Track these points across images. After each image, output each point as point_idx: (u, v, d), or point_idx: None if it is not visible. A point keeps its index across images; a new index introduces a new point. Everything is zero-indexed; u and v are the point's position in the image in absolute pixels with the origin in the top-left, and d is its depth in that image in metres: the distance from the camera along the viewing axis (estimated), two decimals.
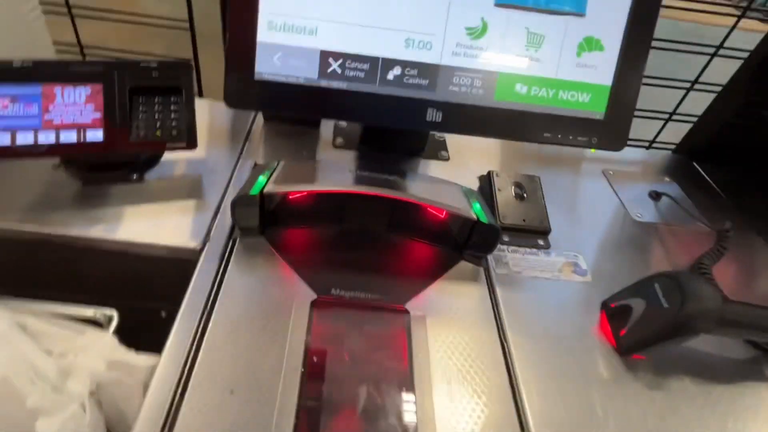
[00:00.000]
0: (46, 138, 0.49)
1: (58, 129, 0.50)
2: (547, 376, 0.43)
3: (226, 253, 0.49)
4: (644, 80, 0.89)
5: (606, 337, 0.46)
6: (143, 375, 0.38)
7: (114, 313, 0.43)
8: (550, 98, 0.49)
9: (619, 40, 0.48)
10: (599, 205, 0.64)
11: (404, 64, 0.46)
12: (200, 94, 0.90)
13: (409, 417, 0.38)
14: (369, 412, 0.38)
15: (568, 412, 0.40)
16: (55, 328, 0.41)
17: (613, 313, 0.47)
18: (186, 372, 0.38)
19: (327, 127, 0.69)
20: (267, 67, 0.46)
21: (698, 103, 0.81)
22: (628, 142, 1.01)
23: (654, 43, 0.85)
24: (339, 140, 0.67)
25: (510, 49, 0.47)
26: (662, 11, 0.49)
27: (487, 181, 0.60)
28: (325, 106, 0.48)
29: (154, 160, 0.59)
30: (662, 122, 0.91)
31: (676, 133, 0.90)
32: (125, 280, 0.54)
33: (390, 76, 0.46)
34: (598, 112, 0.50)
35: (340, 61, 0.45)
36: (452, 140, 0.70)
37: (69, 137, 0.50)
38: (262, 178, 0.49)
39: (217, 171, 0.60)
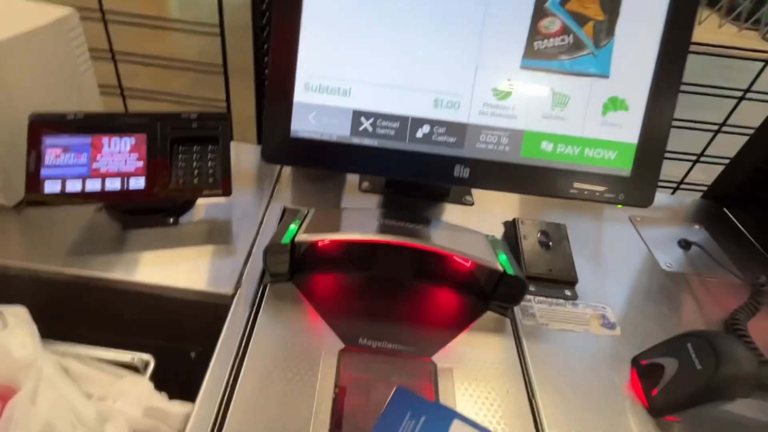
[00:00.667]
0: (93, 186, 0.52)
1: (104, 177, 0.53)
2: None
3: (257, 299, 0.50)
4: (674, 123, 0.89)
5: (637, 396, 0.46)
6: (177, 423, 0.39)
7: (150, 359, 0.44)
8: (576, 155, 0.49)
9: (644, 100, 0.48)
10: (627, 254, 0.63)
11: (433, 122, 0.48)
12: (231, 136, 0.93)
13: None
14: None
15: None
16: (95, 372, 0.42)
17: (645, 371, 0.46)
18: (219, 422, 0.39)
19: None
20: (302, 125, 0.48)
21: (729, 143, 0.80)
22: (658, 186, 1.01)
23: (681, 87, 0.86)
24: (365, 184, 0.69)
25: (536, 109, 0.49)
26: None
27: (512, 228, 0.61)
28: (356, 161, 0.50)
29: (189, 204, 0.61)
30: (690, 163, 0.90)
31: (705, 171, 0.89)
32: (159, 322, 0.56)
33: (419, 134, 0.48)
34: (624, 169, 0.50)
35: (371, 120, 0.48)
36: None
37: (114, 185, 0.53)
38: (293, 227, 0.51)
39: (248, 214, 0.62)
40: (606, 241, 0.65)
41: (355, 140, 0.48)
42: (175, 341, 0.57)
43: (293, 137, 0.48)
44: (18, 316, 0.42)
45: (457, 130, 0.48)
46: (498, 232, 0.63)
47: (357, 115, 0.48)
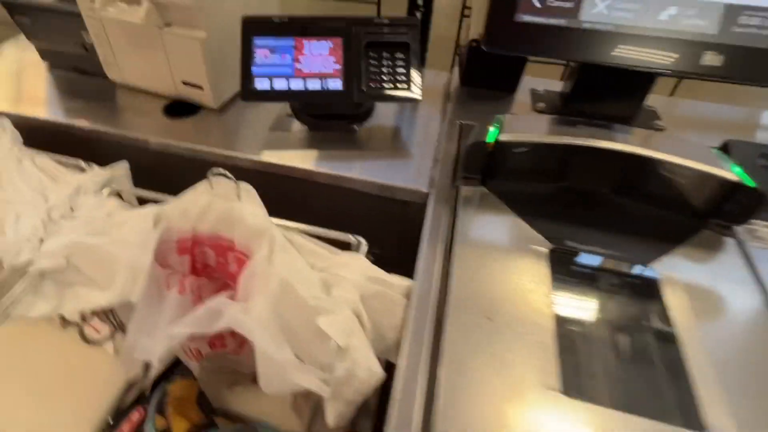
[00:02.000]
0: (297, 85, 0.55)
1: (306, 77, 0.55)
2: None
3: (453, 199, 0.50)
4: None
5: None
6: (401, 292, 0.40)
7: (363, 240, 0.46)
8: None
9: None
10: None
11: (681, 3, 0.43)
12: None
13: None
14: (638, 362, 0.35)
15: None
16: (316, 246, 0.45)
17: None
18: (441, 296, 0.39)
19: (523, 92, 0.68)
20: (528, 9, 0.45)
21: None
22: None
23: None
24: (540, 104, 0.65)
25: None
26: None
27: (723, 152, 0.54)
28: (585, 48, 0.46)
29: (369, 112, 0.63)
30: None
31: None
32: (350, 217, 0.58)
33: (663, 15, 0.43)
34: None
35: (608, 2, 0.43)
36: (665, 110, 0.64)
37: (314, 85, 0.55)
38: (494, 128, 0.49)
39: (427, 126, 0.62)
40: None
41: (586, 24, 0.44)
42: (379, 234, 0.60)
43: (517, 21, 0.46)
44: (249, 192, 0.46)
45: (711, 11, 0.42)
46: None
47: None
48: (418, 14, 0.72)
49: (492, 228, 0.46)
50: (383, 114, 0.64)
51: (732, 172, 0.44)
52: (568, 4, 0.44)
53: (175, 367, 0.54)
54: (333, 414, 0.38)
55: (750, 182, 0.43)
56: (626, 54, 0.45)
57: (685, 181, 0.47)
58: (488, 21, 0.46)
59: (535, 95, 0.67)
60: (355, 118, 0.61)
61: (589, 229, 0.46)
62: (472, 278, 0.41)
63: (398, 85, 0.56)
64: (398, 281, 0.41)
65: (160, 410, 0.51)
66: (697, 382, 0.34)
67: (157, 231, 0.44)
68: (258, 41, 0.55)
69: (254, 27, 0.55)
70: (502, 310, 0.38)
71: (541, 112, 0.64)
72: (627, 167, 0.49)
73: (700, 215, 0.47)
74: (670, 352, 0.36)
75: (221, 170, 0.43)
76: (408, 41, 0.56)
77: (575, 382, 0.34)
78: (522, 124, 0.51)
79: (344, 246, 0.46)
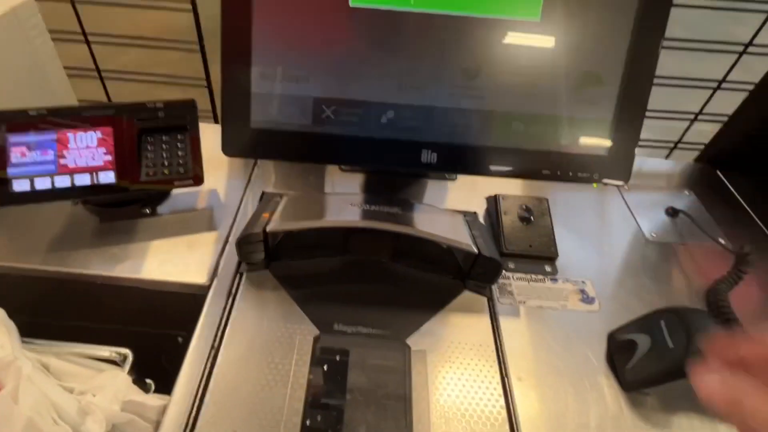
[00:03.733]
0: (62, 182, 0.52)
1: (72, 173, 0.52)
2: (547, 411, 0.42)
3: (234, 288, 0.50)
4: (669, 81, 0.85)
5: (611, 371, 0.46)
6: (155, 414, 0.40)
7: (128, 353, 0.45)
8: (549, 136, 0.47)
9: (619, 75, 0.46)
10: (611, 225, 0.62)
11: (397, 107, 0.46)
12: (214, 116, 0.92)
13: None
14: None
15: None
16: (75, 367, 0.43)
17: (619, 347, 0.46)
18: (194, 413, 0.40)
19: None
20: (262, 115, 0.46)
21: (733, 102, 0.77)
22: (652, 145, 0.97)
23: (680, 44, 0.81)
24: (346, 165, 0.67)
25: (506, 89, 0.46)
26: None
27: (493, 204, 0.60)
28: (321, 151, 0.48)
29: (165, 194, 0.61)
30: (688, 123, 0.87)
31: (705, 134, 0.86)
32: (141, 312, 0.57)
33: (383, 119, 0.46)
34: (600, 147, 0.48)
35: (333, 108, 0.46)
36: None
37: (83, 180, 0.53)
38: (265, 216, 0.50)
39: (226, 201, 0.61)
40: (591, 212, 0.64)
41: (318, 129, 0.47)
42: (160, 328, 0.59)
43: (254, 128, 0.46)
44: None
45: (424, 113, 0.46)
46: (481, 207, 0.62)
47: (318, 102, 0.46)
48: None
49: (264, 321, 0.47)
50: (185, 191, 0.62)
51: (472, 243, 0.49)
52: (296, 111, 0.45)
53: None
54: None
55: (485, 252, 0.48)
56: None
57: (442, 251, 0.52)
58: (224, 129, 0.47)
59: None
60: (147, 202, 0.59)
61: (361, 307, 0.49)
62: (228, 388, 0.42)
63: (180, 170, 0.55)
64: (153, 402, 0.41)
65: None
66: None
67: None
68: (12, 138, 0.51)
69: (6, 122, 0.51)
70: (254, 421, 0.40)
71: (346, 171, 0.67)
72: (398, 239, 0.52)
73: (462, 278, 0.52)
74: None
75: None
76: (186, 124, 0.55)
77: None
78: (297, 207, 0.53)
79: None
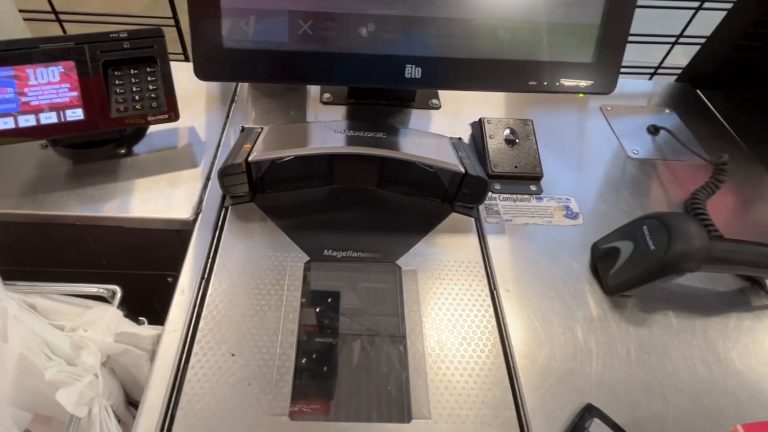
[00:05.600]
0: (27, 121, 0.49)
1: (37, 111, 0.50)
2: (534, 318, 0.44)
3: (219, 222, 0.50)
4: (650, 2, 0.83)
5: (595, 279, 0.47)
6: (149, 344, 0.41)
7: (117, 289, 0.45)
8: (536, 45, 0.46)
9: None
10: (595, 145, 0.62)
11: (378, 18, 0.44)
12: (185, 56, 0.87)
13: (402, 367, 0.40)
14: (363, 366, 0.40)
15: (553, 350, 0.42)
16: (63, 305, 0.43)
17: (602, 255, 0.47)
18: (189, 339, 0.40)
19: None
20: (235, 33, 0.44)
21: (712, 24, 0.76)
22: (633, 71, 0.97)
23: None
24: (326, 96, 0.65)
25: None
26: None
27: (478, 128, 0.59)
28: (299, 70, 0.46)
29: (140, 133, 0.59)
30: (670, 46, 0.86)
31: (687, 56, 0.85)
32: (128, 252, 0.56)
33: (364, 33, 0.44)
34: (586, 54, 0.47)
35: (310, 22, 0.43)
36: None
37: (49, 118, 0.50)
38: (247, 146, 0.49)
39: (206, 138, 0.59)
40: (574, 133, 0.64)
41: (296, 46, 0.44)
42: (148, 269, 0.58)
43: (227, 48, 0.44)
44: None
45: (405, 25, 0.44)
46: (466, 133, 0.62)
47: (294, 16, 0.43)
48: None
49: (253, 252, 0.47)
50: (162, 127, 0.60)
51: (458, 164, 0.48)
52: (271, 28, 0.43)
53: None
54: None
55: (472, 171, 0.48)
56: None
57: (428, 174, 0.52)
58: (194, 51, 0.44)
59: (324, 87, 0.67)
60: (122, 142, 0.57)
61: (349, 233, 0.49)
62: (221, 314, 0.42)
63: (153, 104, 0.53)
64: (146, 332, 0.41)
65: None
66: (411, 372, 0.39)
67: None
68: None
69: None
70: (249, 343, 0.40)
71: (327, 103, 0.65)
72: (383, 165, 0.52)
73: (449, 200, 0.52)
74: (398, 345, 0.41)
75: None
76: (154, 55, 0.52)
77: (303, 404, 0.37)
78: (280, 136, 0.51)
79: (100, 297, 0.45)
